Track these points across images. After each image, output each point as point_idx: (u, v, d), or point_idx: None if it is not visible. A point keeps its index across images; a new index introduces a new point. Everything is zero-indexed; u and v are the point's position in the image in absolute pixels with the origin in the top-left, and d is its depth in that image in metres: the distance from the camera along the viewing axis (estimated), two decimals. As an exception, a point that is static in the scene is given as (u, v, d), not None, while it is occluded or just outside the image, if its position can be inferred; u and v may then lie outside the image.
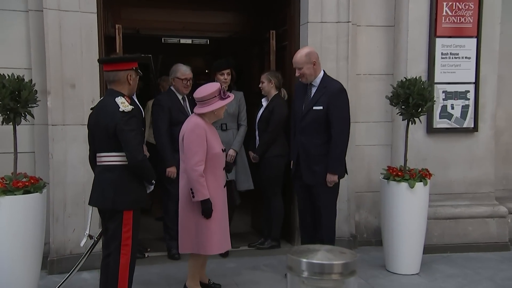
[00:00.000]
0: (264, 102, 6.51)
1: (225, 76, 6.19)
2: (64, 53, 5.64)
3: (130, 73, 4.08)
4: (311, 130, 5.14)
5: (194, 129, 4.49)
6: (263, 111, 6.45)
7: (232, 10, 8.33)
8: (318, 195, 5.25)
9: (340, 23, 6.25)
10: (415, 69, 6.39)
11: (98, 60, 5.08)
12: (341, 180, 5.38)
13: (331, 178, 5.17)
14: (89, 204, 4.28)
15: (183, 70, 6.05)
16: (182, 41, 9.68)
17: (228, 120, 6.33)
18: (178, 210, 4.77)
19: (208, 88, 4.60)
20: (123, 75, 4.06)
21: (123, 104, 3.90)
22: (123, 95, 4.01)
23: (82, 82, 5.69)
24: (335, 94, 5.07)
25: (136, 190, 4.08)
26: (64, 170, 5.72)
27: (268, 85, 6.38)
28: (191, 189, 4.44)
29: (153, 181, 4.14)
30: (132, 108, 3.89)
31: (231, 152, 6.36)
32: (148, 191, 4.23)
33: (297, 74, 5.12)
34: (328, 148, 5.10)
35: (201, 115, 4.60)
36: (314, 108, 5.11)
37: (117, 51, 6.21)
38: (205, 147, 4.46)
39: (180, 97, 6.08)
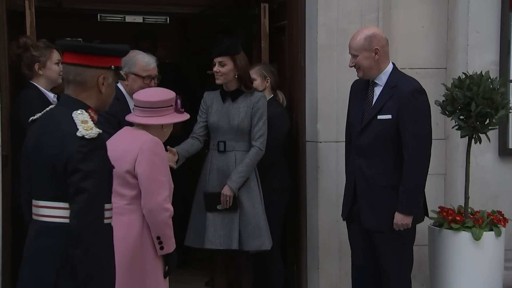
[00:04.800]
0: None
1: (217, 67, 5.29)
2: None
3: (105, 74, 3.56)
4: (375, 149, 4.84)
5: (155, 150, 4.15)
6: None
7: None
8: (382, 249, 4.78)
9: (367, -8, 5.97)
10: (480, 61, 5.92)
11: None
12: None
13: (402, 220, 4.75)
14: None
15: (146, 62, 5.04)
16: (128, 19, 8.66)
17: (229, 137, 5.33)
18: None
19: (160, 93, 4.36)
20: (93, 76, 3.54)
21: (85, 125, 3.41)
22: (86, 108, 3.52)
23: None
24: (408, 97, 4.76)
25: (98, 270, 3.43)
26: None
27: (262, 84, 5.59)
28: (158, 238, 4.13)
29: None
30: (99, 134, 3.42)
31: (226, 190, 5.25)
32: None
33: (350, 64, 4.86)
34: (401, 176, 4.77)
35: (146, 129, 4.23)
36: (379, 117, 4.83)
37: (27, 33, 5.52)
38: (170, 176, 4.22)
39: (132, 103, 5.15)
